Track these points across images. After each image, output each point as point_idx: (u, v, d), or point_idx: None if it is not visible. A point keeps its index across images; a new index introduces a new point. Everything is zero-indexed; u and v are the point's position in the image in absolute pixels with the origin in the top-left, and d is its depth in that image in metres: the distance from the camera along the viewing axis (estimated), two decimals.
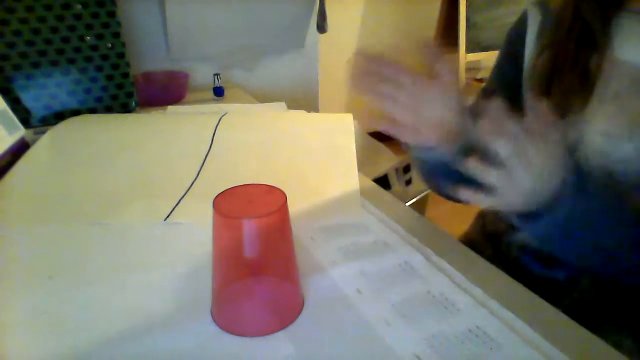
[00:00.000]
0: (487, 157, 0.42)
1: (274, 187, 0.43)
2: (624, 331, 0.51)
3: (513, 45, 0.60)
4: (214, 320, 0.44)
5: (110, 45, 1.00)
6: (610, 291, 0.53)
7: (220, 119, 0.84)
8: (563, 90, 0.52)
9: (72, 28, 0.96)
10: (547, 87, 0.53)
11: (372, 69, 0.48)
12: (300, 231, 0.58)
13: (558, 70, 0.53)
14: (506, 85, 0.62)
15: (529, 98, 0.57)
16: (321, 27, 1.47)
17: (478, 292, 0.47)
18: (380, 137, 0.77)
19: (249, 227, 0.40)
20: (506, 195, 0.42)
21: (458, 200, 0.62)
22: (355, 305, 0.45)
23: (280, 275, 0.46)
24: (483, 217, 0.73)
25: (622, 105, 0.49)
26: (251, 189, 0.43)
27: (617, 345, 0.40)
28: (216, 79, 1.22)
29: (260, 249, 0.41)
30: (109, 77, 1.03)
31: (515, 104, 0.60)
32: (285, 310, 0.44)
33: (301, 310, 0.45)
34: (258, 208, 0.40)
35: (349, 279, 0.49)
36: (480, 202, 0.44)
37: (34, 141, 0.80)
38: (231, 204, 0.41)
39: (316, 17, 1.46)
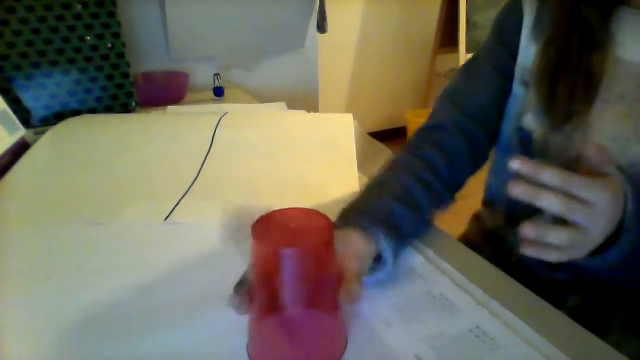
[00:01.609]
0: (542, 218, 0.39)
1: (314, 210, 0.40)
2: (629, 333, 0.51)
3: (505, 33, 0.59)
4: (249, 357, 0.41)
5: (110, 45, 1.00)
6: (614, 293, 0.53)
7: (220, 119, 0.84)
8: (569, 93, 0.51)
9: (72, 28, 0.96)
10: (553, 88, 0.53)
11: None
12: None
13: (563, 72, 0.51)
14: (498, 69, 0.60)
15: (539, 102, 0.55)
16: (321, 27, 1.47)
17: (478, 292, 0.47)
18: (380, 137, 0.77)
19: (293, 258, 0.37)
20: (581, 249, 0.40)
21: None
22: (355, 305, 0.45)
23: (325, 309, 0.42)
24: (481, 217, 0.73)
25: (628, 107, 0.48)
26: (292, 213, 0.40)
27: (620, 346, 0.40)
28: (216, 79, 1.22)
29: (305, 281, 0.38)
30: (109, 77, 1.03)
31: (506, 89, 0.59)
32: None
33: (346, 346, 0.41)
34: (302, 236, 0.38)
35: None
36: (551, 258, 0.40)
37: (34, 141, 0.80)
38: (271, 230, 0.38)
39: (316, 17, 1.46)
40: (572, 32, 0.51)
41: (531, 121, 0.55)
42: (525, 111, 0.57)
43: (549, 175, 0.37)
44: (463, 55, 2.42)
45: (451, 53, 2.54)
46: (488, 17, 2.42)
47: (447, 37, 2.57)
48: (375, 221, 0.48)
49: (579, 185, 0.37)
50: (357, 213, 0.50)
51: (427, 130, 0.63)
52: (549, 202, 0.37)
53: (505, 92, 0.60)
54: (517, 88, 0.58)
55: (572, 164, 0.52)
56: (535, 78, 0.54)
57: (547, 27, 0.54)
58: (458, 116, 0.60)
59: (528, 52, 0.57)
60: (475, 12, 2.39)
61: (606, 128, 0.50)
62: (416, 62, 2.83)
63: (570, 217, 0.37)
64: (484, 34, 2.48)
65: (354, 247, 0.45)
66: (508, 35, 0.59)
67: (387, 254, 0.47)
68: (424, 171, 0.56)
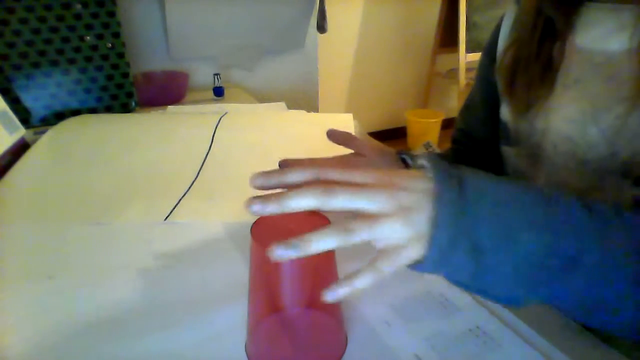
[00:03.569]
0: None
1: (314, 211, 0.39)
2: None
3: (491, 44, 0.62)
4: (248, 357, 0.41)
5: (110, 45, 1.00)
6: None
7: (220, 119, 0.84)
8: (527, 82, 0.53)
9: (72, 28, 0.96)
10: (512, 80, 0.55)
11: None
12: None
13: (523, 63, 0.53)
14: (485, 81, 0.63)
15: (502, 93, 0.58)
16: (321, 27, 1.47)
17: None
18: (380, 137, 0.78)
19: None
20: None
21: None
22: (355, 305, 0.45)
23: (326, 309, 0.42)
24: None
25: (583, 90, 0.50)
26: (291, 214, 0.40)
27: (613, 342, 0.41)
28: (216, 79, 1.22)
29: (304, 281, 0.38)
30: (109, 77, 1.03)
31: (496, 97, 0.61)
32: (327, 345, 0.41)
33: (345, 347, 0.41)
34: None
35: None
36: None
37: (34, 141, 0.80)
38: (270, 232, 0.38)
39: (316, 17, 1.46)
40: (535, 30, 0.52)
41: (505, 112, 0.58)
42: (501, 103, 0.60)
43: (294, 173, 0.34)
44: (463, 55, 2.42)
45: (451, 53, 2.54)
46: (488, 17, 2.42)
47: (447, 37, 2.57)
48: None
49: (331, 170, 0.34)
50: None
51: (451, 141, 0.74)
52: (304, 198, 0.32)
53: (495, 100, 0.61)
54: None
55: (537, 149, 0.54)
56: (499, 71, 0.57)
57: (516, 26, 0.56)
58: (464, 126, 0.70)
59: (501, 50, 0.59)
60: (475, 12, 2.39)
61: (565, 112, 0.51)
62: (416, 62, 2.83)
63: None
64: (484, 34, 2.48)
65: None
66: (492, 45, 0.61)
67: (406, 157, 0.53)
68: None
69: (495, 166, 0.67)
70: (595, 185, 0.50)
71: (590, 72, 0.49)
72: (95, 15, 0.97)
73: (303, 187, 0.33)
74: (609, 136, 0.47)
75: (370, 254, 0.52)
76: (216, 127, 0.81)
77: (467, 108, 0.70)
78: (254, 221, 0.38)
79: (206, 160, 0.75)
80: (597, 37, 0.49)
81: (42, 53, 0.95)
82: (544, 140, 0.53)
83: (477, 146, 0.68)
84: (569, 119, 0.50)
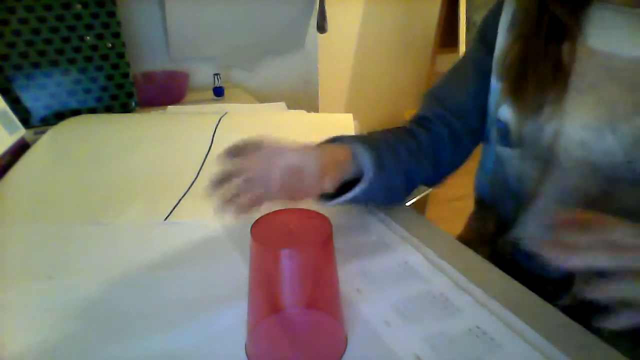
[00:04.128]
0: None
1: (314, 210, 0.40)
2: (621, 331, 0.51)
3: (487, 31, 0.60)
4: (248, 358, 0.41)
5: (110, 45, 1.00)
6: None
7: (220, 119, 0.84)
8: (537, 83, 0.51)
9: (72, 28, 0.96)
10: (521, 79, 0.53)
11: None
12: None
13: (531, 62, 0.52)
14: (478, 67, 0.61)
15: (509, 93, 0.56)
16: (321, 27, 1.47)
17: (478, 292, 0.47)
18: None
19: (292, 258, 0.37)
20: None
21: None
22: (356, 305, 0.45)
23: (326, 309, 0.42)
24: (476, 220, 0.73)
25: (600, 96, 0.48)
26: (291, 214, 0.40)
27: (614, 344, 0.41)
28: (216, 79, 1.22)
29: (304, 281, 0.38)
30: (109, 77, 1.03)
31: (486, 86, 0.60)
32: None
33: (346, 347, 0.41)
34: (301, 237, 0.38)
35: (349, 279, 0.49)
36: None
37: (34, 141, 0.80)
38: (270, 232, 0.38)
39: (316, 17, 1.46)
40: (541, 23, 0.51)
41: (506, 112, 0.57)
42: (501, 103, 0.58)
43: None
44: None
45: (451, 53, 2.54)
46: None
47: (447, 37, 2.57)
48: (355, 139, 0.53)
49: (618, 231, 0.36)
50: (338, 139, 0.55)
51: (412, 121, 0.65)
52: (599, 262, 0.35)
53: (484, 89, 0.60)
54: (494, 82, 0.59)
55: (546, 153, 0.53)
56: (505, 69, 0.55)
57: (519, 21, 0.54)
58: (439, 109, 0.62)
59: (503, 46, 0.58)
60: (475, 12, 2.39)
61: (579, 117, 0.50)
62: (416, 62, 2.83)
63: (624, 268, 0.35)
64: None
65: (334, 157, 0.50)
66: (488, 33, 0.60)
67: (366, 161, 0.51)
68: (410, 139, 0.59)
69: (464, 159, 0.65)
70: (607, 191, 0.49)
71: (607, 77, 0.48)
72: (95, 15, 0.97)
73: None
74: (626, 145, 0.46)
75: (370, 254, 0.52)
76: (216, 127, 0.81)
77: (440, 94, 0.64)
78: (254, 221, 0.38)
79: (206, 160, 0.75)
80: (613, 40, 0.48)
81: (42, 53, 0.95)
82: (556, 145, 0.52)
83: (453, 134, 0.62)
84: (584, 125, 0.49)
